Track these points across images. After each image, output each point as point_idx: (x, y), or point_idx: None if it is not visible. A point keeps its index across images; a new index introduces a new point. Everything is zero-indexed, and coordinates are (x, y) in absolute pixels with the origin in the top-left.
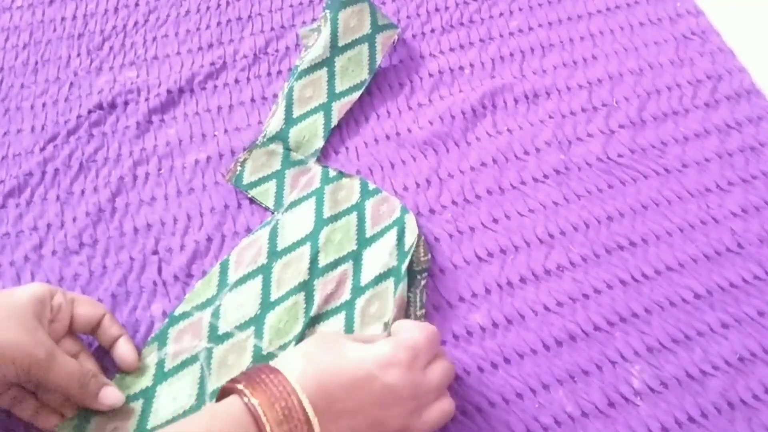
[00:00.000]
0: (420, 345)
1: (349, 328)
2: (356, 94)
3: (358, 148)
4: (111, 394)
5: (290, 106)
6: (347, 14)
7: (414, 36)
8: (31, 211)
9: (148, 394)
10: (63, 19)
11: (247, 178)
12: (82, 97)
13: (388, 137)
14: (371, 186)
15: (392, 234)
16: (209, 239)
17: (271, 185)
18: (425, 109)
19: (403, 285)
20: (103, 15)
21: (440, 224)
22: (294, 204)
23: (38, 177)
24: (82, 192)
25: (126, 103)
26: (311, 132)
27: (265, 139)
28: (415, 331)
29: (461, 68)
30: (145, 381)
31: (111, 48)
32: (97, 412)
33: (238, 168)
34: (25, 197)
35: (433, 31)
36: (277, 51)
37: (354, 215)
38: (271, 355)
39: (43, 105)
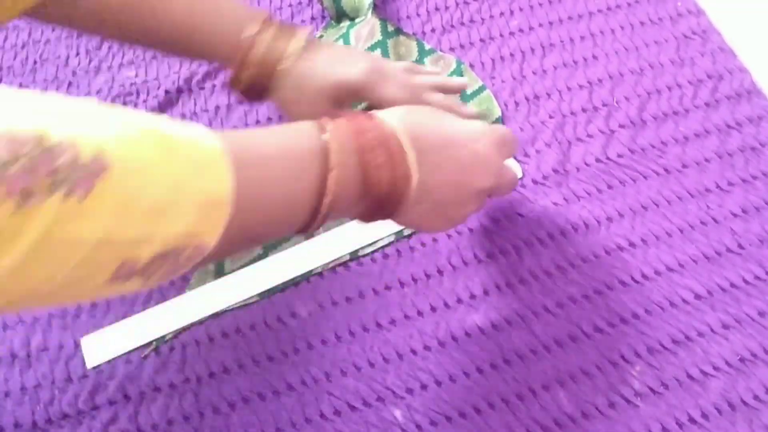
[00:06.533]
0: (509, 137)
1: None
2: None
3: None
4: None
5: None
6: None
7: (414, 36)
8: None
9: None
10: None
11: None
12: (80, 97)
13: None
14: (427, 46)
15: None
16: None
17: (339, 42)
18: None
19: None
20: None
21: None
22: None
23: None
24: None
25: (125, 104)
26: None
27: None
28: (507, 129)
29: None
30: None
31: (110, 48)
32: None
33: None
34: None
35: (433, 30)
36: None
37: None
38: None
39: None
